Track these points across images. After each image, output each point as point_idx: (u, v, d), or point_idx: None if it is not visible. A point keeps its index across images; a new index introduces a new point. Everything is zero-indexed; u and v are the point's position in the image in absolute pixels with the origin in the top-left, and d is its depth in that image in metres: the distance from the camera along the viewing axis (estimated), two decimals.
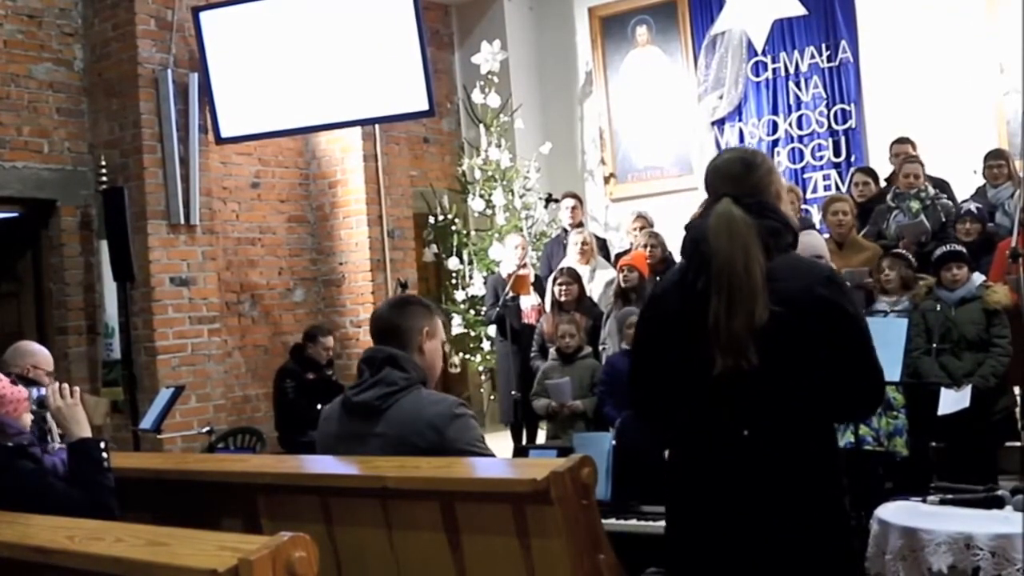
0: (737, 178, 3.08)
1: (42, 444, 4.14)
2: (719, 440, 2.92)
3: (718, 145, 11.34)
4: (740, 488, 2.89)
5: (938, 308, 6.78)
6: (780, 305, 2.85)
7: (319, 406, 7.91)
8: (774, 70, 11.21)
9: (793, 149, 11.10)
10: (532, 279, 9.03)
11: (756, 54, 11.27)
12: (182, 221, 8.65)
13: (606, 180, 12.16)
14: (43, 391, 3.90)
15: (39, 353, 5.52)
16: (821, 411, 2.91)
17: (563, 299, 8.22)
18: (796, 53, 11.08)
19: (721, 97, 11.40)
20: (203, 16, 8.85)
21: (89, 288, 8.81)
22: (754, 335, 2.83)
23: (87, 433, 3.74)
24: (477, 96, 11.55)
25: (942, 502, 4.54)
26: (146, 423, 7.19)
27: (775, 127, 11.19)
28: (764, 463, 2.87)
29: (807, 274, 2.95)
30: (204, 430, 7.90)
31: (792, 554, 2.87)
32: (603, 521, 2.93)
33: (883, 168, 9.29)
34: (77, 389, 3.84)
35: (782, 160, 11.11)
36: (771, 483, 2.87)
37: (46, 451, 4.04)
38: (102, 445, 3.68)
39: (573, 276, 8.34)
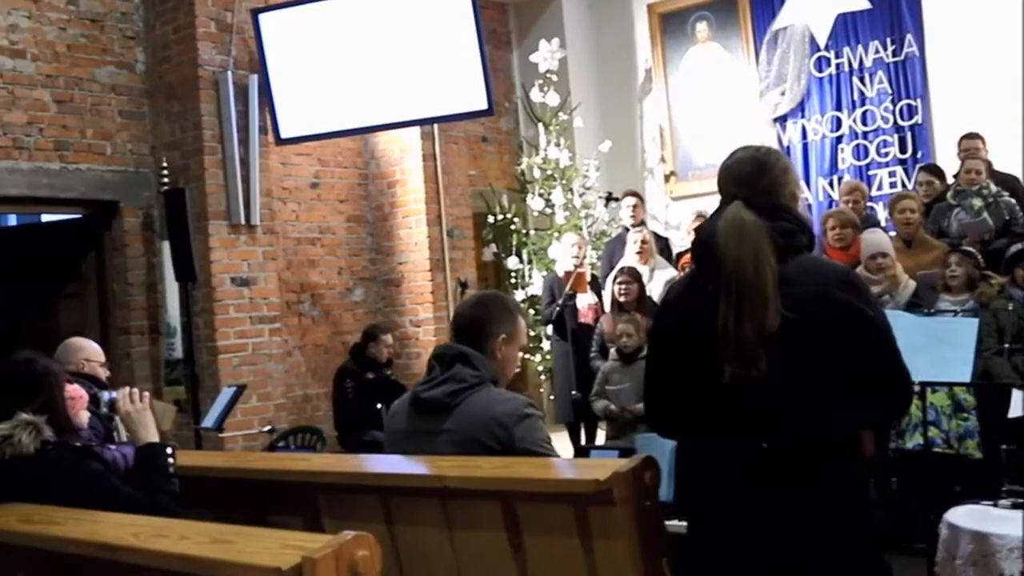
0: (749, 179, 2.98)
1: (105, 444, 4.20)
2: (735, 454, 2.82)
3: (780, 142, 11.25)
4: (760, 503, 2.79)
5: (1010, 307, 6.66)
6: (794, 310, 2.73)
7: (379, 405, 7.98)
8: (837, 65, 11.09)
9: (858, 146, 10.98)
10: (589, 278, 9.01)
11: (819, 49, 11.16)
12: (243, 221, 8.73)
13: (666, 178, 12.10)
14: (114, 394, 3.95)
15: (88, 347, 5.60)
16: (846, 419, 2.78)
17: (623, 299, 8.18)
18: (860, 48, 10.96)
19: (783, 93, 11.30)
20: (262, 18, 8.92)
21: (151, 288, 8.91)
22: (765, 342, 2.72)
23: (155, 438, 3.79)
24: (536, 95, 11.54)
25: (1014, 506, 4.46)
26: (208, 422, 7.26)
27: (839, 123, 11.07)
28: (784, 477, 2.76)
29: (823, 277, 2.82)
30: (265, 429, 7.97)
31: (816, 570, 2.77)
32: (666, 523, 2.90)
33: (951, 165, 9.15)
34: (147, 394, 3.89)
35: (846, 157, 10.99)
36: (792, 498, 2.76)
37: (107, 446, 4.10)
38: (168, 450, 3.72)
39: (633, 275, 8.30)
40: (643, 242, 8.94)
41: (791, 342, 2.72)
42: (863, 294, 2.84)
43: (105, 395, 4.05)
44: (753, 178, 2.97)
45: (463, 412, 3.37)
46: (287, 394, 9.34)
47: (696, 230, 3.05)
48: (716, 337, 2.77)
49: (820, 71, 11.19)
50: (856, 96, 11.00)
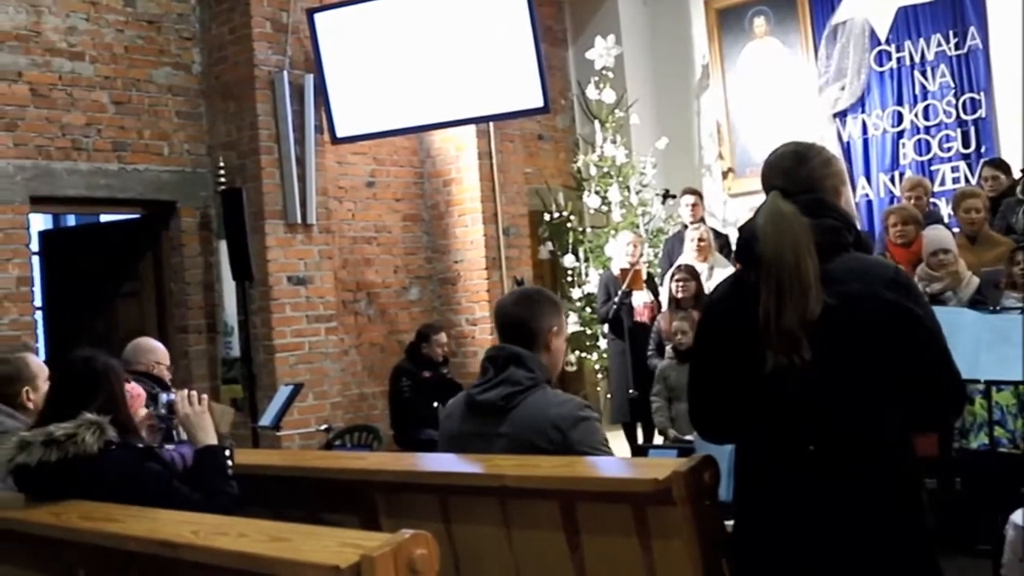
0: (787, 171, 2.93)
1: (164, 443, 4.25)
2: (782, 452, 2.77)
3: (840, 138, 11.15)
4: (807, 502, 2.73)
5: None
6: (838, 304, 2.67)
7: (435, 404, 8.00)
8: (899, 59, 10.97)
9: (919, 141, 10.85)
10: (645, 276, 8.97)
11: (879, 43, 11.04)
12: (299, 221, 8.78)
13: (724, 175, 12.03)
14: (172, 396, 3.99)
15: (158, 348, 5.68)
16: (895, 419, 2.71)
17: (680, 296, 8.16)
18: (922, 41, 10.83)
19: (843, 88, 11.19)
20: (317, 18, 8.97)
21: (208, 287, 8.99)
22: (807, 330, 2.67)
23: (213, 440, 3.83)
24: (592, 92, 11.52)
25: None
26: (265, 420, 7.31)
27: (900, 118, 10.95)
28: (832, 475, 2.70)
29: (869, 276, 2.75)
30: (322, 427, 8.01)
31: (866, 573, 2.70)
32: (726, 523, 2.89)
33: (1016, 159, 9.01)
34: (205, 397, 3.93)
35: (908, 152, 10.87)
36: (840, 497, 2.69)
37: (166, 446, 4.15)
38: (227, 451, 3.75)
39: (691, 273, 8.27)
40: (701, 239, 8.89)
41: (834, 330, 2.68)
42: (912, 293, 2.78)
43: (164, 397, 4.09)
44: (791, 170, 2.93)
45: (519, 415, 3.36)
46: (343, 393, 9.40)
47: (739, 229, 2.99)
48: (759, 328, 2.73)
49: (881, 65, 11.07)
50: (918, 90, 10.87)
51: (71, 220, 11.80)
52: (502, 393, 3.39)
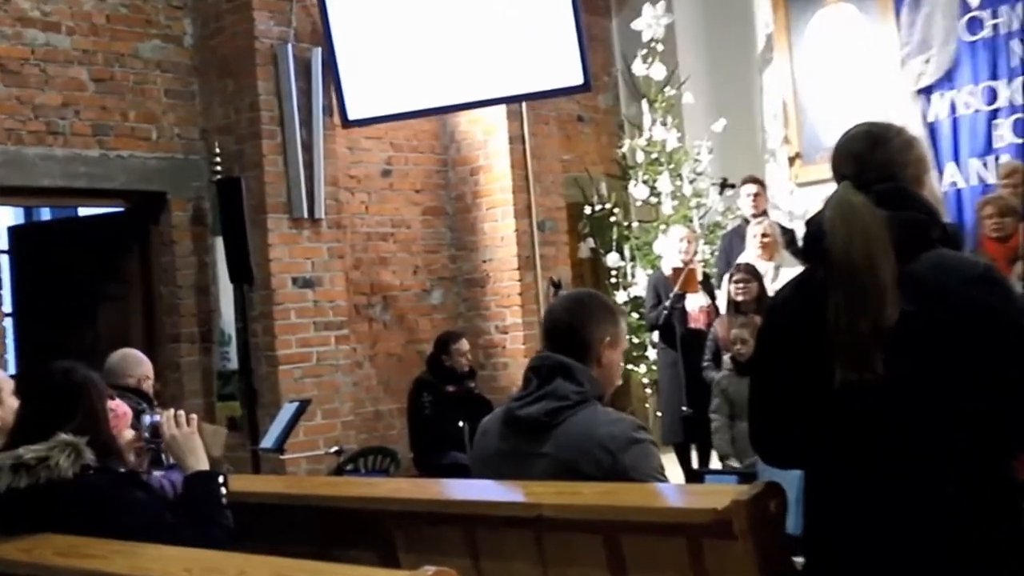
0: (860, 156, 2.89)
1: (151, 467, 4.25)
2: (857, 482, 2.72)
3: (924, 118, 11.07)
4: (891, 542, 2.68)
5: None
6: (919, 307, 2.63)
7: (461, 423, 7.99)
8: (993, 27, 10.88)
9: (1017, 121, 10.75)
10: (700, 276, 8.94)
11: (970, 9, 10.96)
12: (305, 215, 8.80)
13: (791, 161, 11.98)
14: (157, 417, 3.99)
15: (147, 362, 5.71)
16: (986, 441, 2.65)
17: (740, 299, 8.13)
18: (1020, 6, 10.74)
19: (928, 61, 11.11)
20: None
21: (203, 291, 9.02)
22: (881, 340, 2.63)
23: (204, 465, 3.82)
24: (639, 67, 11.49)
25: None
26: (267, 442, 7.32)
27: (994, 95, 10.86)
28: (917, 510, 2.65)
29: (956, 273, 2.69)
30: (332, 450, 8.01)
31: None
32: (794, 559, 2.86)
33: None
34: (194, 417, 3.92)
35: (1003, 134, 10.78)
36: (930, 536, 2.64)
37: (153, 472, 4.14)
38: (220, 479, 3.74)
39: (752, 273, 8.24)
40: (764, 235, 8.86)
41: (913, 340, 2.64)
42: (1003, 292, 2.72)
43: (147, 418, 4.08)
44: (864, 155, 2.89)
45: (563, 434, 3.36)
46: (356, 410, 9.40)
47: (806, 223, 2.95)
48: (826, 336, 2.69)
49: (972, 34, 10.98)
50: (1015, 63, 10.78)
51: (45, 214, 11.87)
52: (546, 408, 3.39)
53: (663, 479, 3.34)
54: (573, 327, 3.50)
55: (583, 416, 3.37)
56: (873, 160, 2.88)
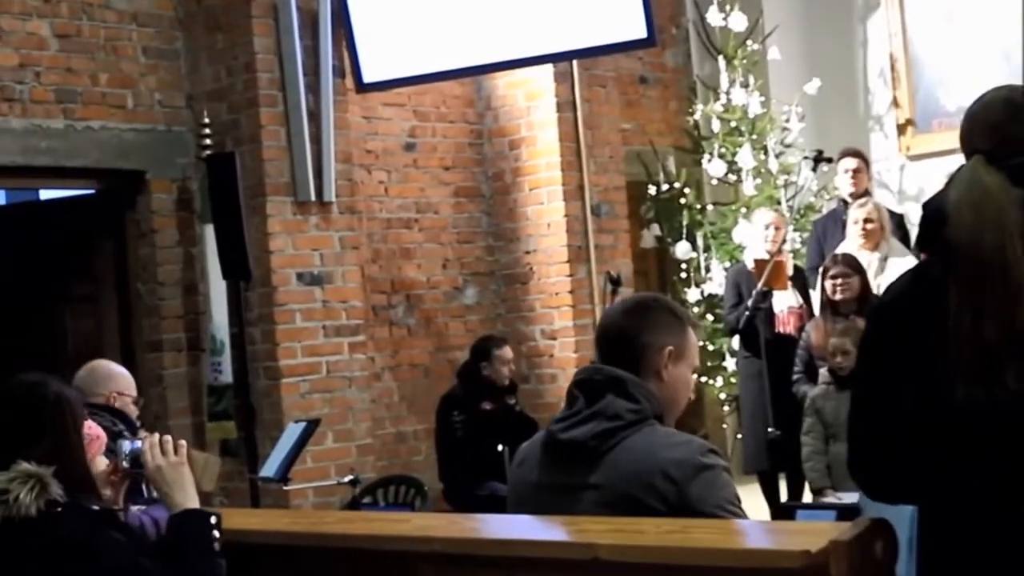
0: (997, 127, 2.89)
1: (129, 503, 4.27)
2: (985, 520, 2.71)
3: None
4: None
5: None
6: None
7: (500, 447, 7.99)
8: None
9: None
10: (791, 270, 8.91)
11: None
12: (312, 197, 8.83)
13: (900, 130, 11.93)
14: (137, 444, 3.99)
15: (121, 376, 5.74)
16: None
17: (838, 297, 8.10)
18: None
19: None
20: None
21: (190, 289, 9.07)
22: (1014, 349, 2.63)
23: (193, 503, 3.80)
24: (714, 17, 11.48)
25: None
26: (268, 470, 7.33)
27: None
28: None
29: None
30: (346, 480, 8.01)
31: None
32: None
33: None
34: (183, 443, 3.91)
35: None
36: None
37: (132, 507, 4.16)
38: (212, 519, 3.74)
39: (852, 266, 8.20)
40: (867, 220, 8.80)
41: None
42: None
43: (127, 445, 4.08)
44: (1002, 126, 2.89)
45: (616, 461, 3.35)
46: (374, 432, 9.43)
47: (924, 205, 2.94)
48: (946, 343, 2.69)
49: None
50: None
51: (0, 197, 11.94)
52: (594, 430, 3.38)
53: (740, 513, 3.32)
54: (628, 333, 3.49)
55: (640, 439, 3.36)
56: (1011, 130, 2.88)
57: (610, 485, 3.33)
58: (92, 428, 4.06)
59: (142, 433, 4.88)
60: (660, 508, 3.24)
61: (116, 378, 5.69)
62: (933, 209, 2.87)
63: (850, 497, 6.78)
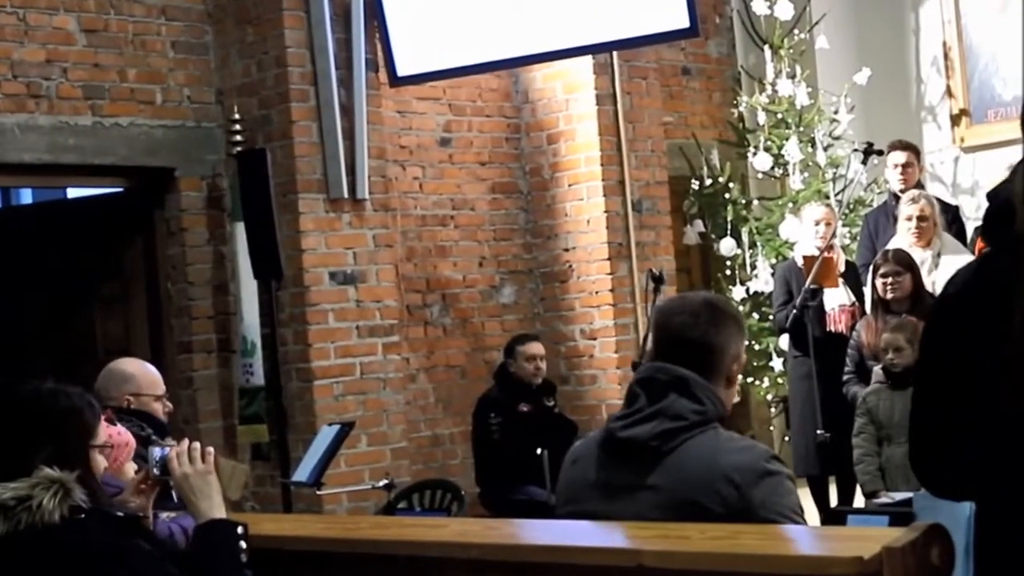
0: None
1: (159, 505, 4.27)
2: None
3: None
4: None
5: None
6: None
7: (538, 450, 7.97)
8: None
9: None
10: (842, 267, 8.86)
11: None
12: (346, 194, 8.84)
13: (954, 120, 11.87)
14: (167, 450, 3.98)
15: (139, 374, 5.66)
16: None
17: (889, 296, 8.06)
18: None
19: None
20: None
21: (220, 289, 9.09)
22: None
23: (220, 512, 3.81)
24: (759, 5, 11.43)
25: None
26: (301, 474, 7.34)
27: None
28: None
29: None
30: (380, 484, 8.02)
31: None
32: None
33: None
34: (211, 451, 3.91)
35: None
36: None
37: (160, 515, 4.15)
38: (239, 530, 3.73)
39: (904, 263, 8.15)
40: (921, 216, 8.75)
41: None
42: None
43: (157, 451, 4.07)
44: None
45: (678, 463, 3.37)
46: (409, 435, 9.43)
47: (989, 195, 2.91)
48: (1011, 341, 2.67)
49: None
50: None
51: (26, 196, 12.00)
52: (656, 429, 3.39)
53: (801, 523, 3.34)
54: (702, 334, 3.51)
55: (703, 441, 3.38)
56: None
57: (670, 487, 3.35)
58: (121, 434, 4.06)
59: (169, 440, 4.88)
60: (720, 512, 3.26)
61: (132, 379, 5.60)
62: (999, 202, 2.84)
63: (904, 496, 6.75)
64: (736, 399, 3.66)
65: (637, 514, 3.34)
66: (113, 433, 3.90)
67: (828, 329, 8.73)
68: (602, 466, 3.50)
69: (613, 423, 3.50)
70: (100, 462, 3.84)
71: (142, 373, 5.67)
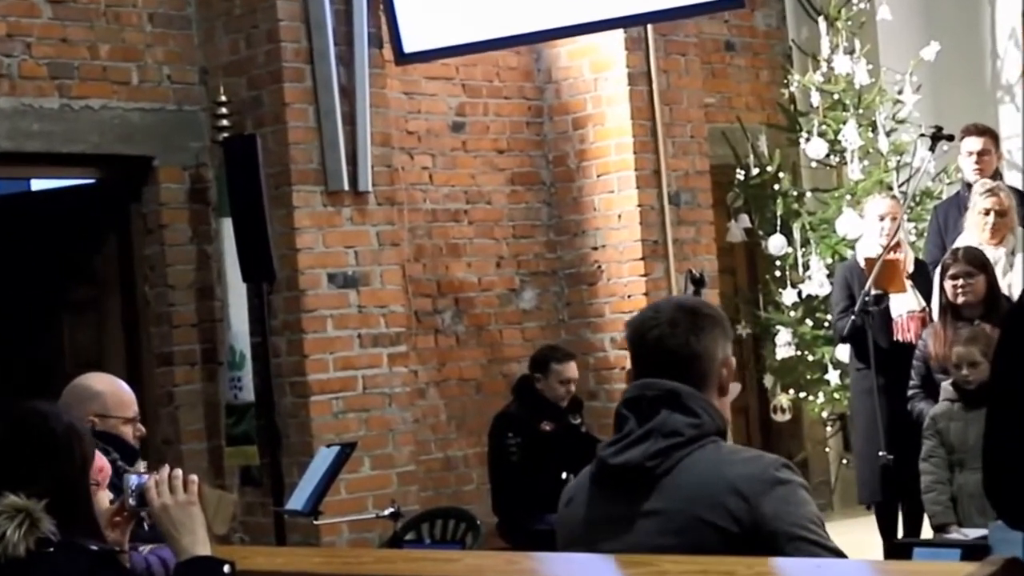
0: None
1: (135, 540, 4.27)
2: None
3: None
4: None
5: None
6: None
7: (563, 474, 7.97)
8: None
9: None
10: (910, 268, 8.84)
11: None
12: (346, 186, 8.86)
13: None
14: (143, 478, 3.99)
15: (107, 392, 5.64)
16: None
17: (960, 300, 8.03)
18: None
19: None
20: None
21: (205, 293, 9.11)
22: None
23: (204, 549, 3.82)
24: None
25: None
26: (296, 502, 7.34)
27: None
28: None
29: None
30: (386, 513, 8.03)
31: None
32: None
33: None
34: (194, 479, 3.91)
35: None
36: None
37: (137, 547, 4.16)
38: (226, 569, 3.74)
39: (976, 264, 8.13)
40: (997, 210, 8.73)
41: None
42: None
43: (133, 479, 4.08)
44: None
45: (678, 482, 3.39)
46: (418, 457, 9.45)
47: None
48: None
49: None
50: None
51: None
52: (650, 449, 3.42)
53: (821, 534, 3.33)
54: (688, 345, 3.53)
55: (703, 456, 3.41)
56: None
57: (672, 509, 3.37)
58: (98, 460, 4.05)
59: (141, 466, 4.87)
60: (731, 529, 3.28)
61: (98, 397, 5.57)
62: None
63: (976, 534, 6.73)
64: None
65: (638, 545, 3.35)
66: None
67: (896, 338, 8.68)
68: (595, 501, 3.53)
69: (603, 451, 3.52)
70: (103, 499, 3.87)
71: (111, 391, 5.62)
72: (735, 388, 3.63)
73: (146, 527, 4.28)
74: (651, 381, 3.51)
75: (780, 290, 11.01)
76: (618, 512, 3.45)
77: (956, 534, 7.32)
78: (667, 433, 3.41)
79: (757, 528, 3.27)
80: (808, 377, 10.84)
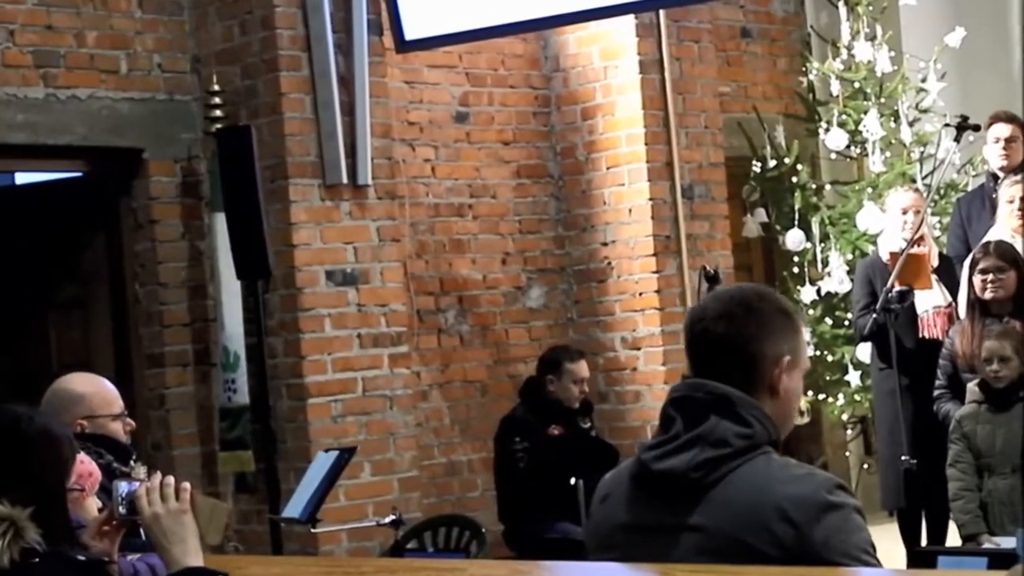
0: None
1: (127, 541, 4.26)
2: None
3: None
4: None
5: None
6: None
7: (572, 480, 7.97)
8: None
9: None
10: (935, 262, 8.82)
11: None
12: (344, 180, 8.85)
13: None
14: (133, 486, 3.97)
15: (90, 393, 5.64)
16: None
17: (989, 295, 8.02)
18: None
19: None
20: None
21: (197, 291, 9.11)
22: None
23: (195, 559, 3.81)
24: None
25: None
26: (293, 510, 7.34)
27: None
28: None
29: None
30: (387, 520, 8.02)
31: None
32: None
33: None
34: (187, 487, 3.90)
35: None
36: None
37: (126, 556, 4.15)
38: None
39: (1008, 257, 8.12)
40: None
41: None
42: None
43: (123, 486, 4.06)
44: None
45: (724, 498, 3.34)
46: (421, 463, 9.43)
47: None
48: None
49: None
50: None
51: None
52: (696, 459, 3.36)
53: (876, 565, 3.30)
54: (735, 340, 3.46)
55: (752, 470, 3.34)
56: None
57: (716, 527, 3.32)
58: (84, 463, 4.05)
59: (138, 467, 4.86)
60: (775, 555, 3.23)
61: (82, 400, 5.56)
62: None
63: (1009, 543, 6.71)
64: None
65: (679, 559, 3.31)
66: (79, 466, 3.88)
67: (922, 336, 8.65)
68: (635, 504, 3.48)
69: (645, 453, 3.46)
70: (91, 506, 3.86)
71: (94, 391, 5.61)
72: (793, 391, 3.50)
73: (143, 536, 4.26)
74: (701, 382, 3.45)
75: (798, 287, 10.98)
76: (660, 520, 3.41)
77: (988, 544, 7.30)
78: (715, 442, 3.35)
79: (804, 556, 3.22)
80: (828, 378, 10.83)
